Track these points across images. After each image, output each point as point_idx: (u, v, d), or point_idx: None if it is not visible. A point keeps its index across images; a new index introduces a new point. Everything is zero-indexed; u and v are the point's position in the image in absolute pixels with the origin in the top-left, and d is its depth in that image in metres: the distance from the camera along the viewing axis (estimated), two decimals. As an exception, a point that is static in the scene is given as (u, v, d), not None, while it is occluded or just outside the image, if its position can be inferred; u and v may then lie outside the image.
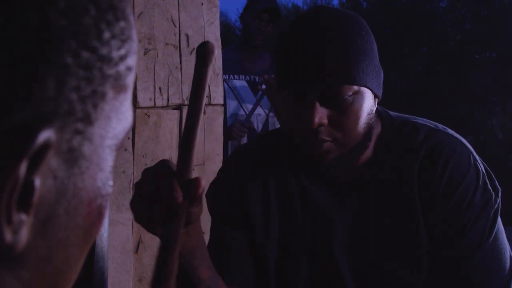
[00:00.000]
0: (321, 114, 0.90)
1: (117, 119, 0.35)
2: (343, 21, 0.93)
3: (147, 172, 0.73)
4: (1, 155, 0.29)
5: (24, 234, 0.30)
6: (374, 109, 0.97)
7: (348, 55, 0.90)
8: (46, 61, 0.29)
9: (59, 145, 0.31)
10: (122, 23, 0.34)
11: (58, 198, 0.32)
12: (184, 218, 0.68)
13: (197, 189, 0.68)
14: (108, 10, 0.33)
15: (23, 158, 0.29)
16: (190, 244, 0.80)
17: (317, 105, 0.90)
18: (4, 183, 0.29)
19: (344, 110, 0.91)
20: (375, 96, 0.97)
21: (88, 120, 0.32)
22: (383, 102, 1.03)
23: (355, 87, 0.91)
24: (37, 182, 0.30)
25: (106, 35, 0.33)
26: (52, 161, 0.31)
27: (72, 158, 0.32)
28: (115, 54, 0.33)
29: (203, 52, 0.68)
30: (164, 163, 0.71)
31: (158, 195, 0.68)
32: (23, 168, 0.29)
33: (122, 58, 0.34)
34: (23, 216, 0.30)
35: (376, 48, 0.97)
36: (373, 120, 0.97)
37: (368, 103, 0.94)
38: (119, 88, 0.34)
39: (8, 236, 0.30)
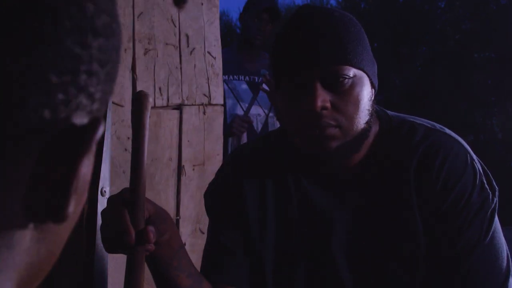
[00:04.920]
0: (323, 97, 0.92)
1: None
2: (335, 13, 0.97)
3: (104, 213, 0.80)
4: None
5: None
6: (373, 98, 0.99)
7: (343, 39, 0.93)
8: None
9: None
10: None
11: (82, 181, 0.35)
12: (143, 252, 0.77)
13: (148, 239, 0.76)
14: None
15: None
16: (165, 256, 0.84)
17: (319, 88, 0.92)
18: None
19: (344, 93, 0.93)
20: (372, 85, 0.98)
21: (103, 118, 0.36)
22: (382, 102, 1.05)
23: (353, 70, 0.93)
24: None
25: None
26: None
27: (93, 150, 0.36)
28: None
29: (139, 102, 0.75)
30: (120, 205, 0.77)
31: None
32: None
33: None
34: None
35: (368, 42, 1.00)
36: (373, 109, 0.99)
37: (367, 89, 0.96)
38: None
39: (71, 208, 0.33)
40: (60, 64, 0.30)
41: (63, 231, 0.36)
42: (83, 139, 0.33)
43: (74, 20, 0.31)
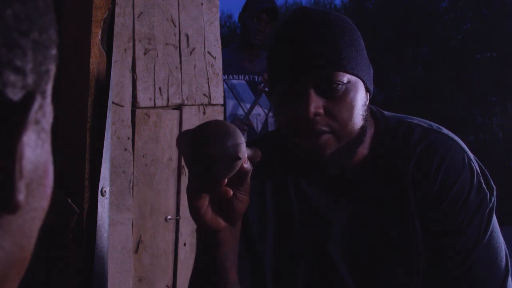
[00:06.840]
0: (316, 103, 0.91)
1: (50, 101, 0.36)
2: (331, 17, 0.96)
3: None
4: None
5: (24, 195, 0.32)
6: (367, 102, 0.98)
7: (338, 45, 0.92)
8: (27, 36, 0.31)
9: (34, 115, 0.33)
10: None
11: (33, 167, 0.33)
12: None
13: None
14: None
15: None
16: (227, 246, 0.83)
17: (312, 94, 0.91)
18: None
19: (338, 99, 0.92)
20: (367, 90, 0.98)
21: (43, 95, 0.34)
22: (383, 102, 1.05)
23: (347, 76, 0.93)
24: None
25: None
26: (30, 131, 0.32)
27: (38, 129, 0.33)
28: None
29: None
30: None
31: None
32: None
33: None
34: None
35: (364, 46, 0.99)
36: (367, 113, 0.99)
37: (361, 94, 0.96)
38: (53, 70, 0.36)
39: (21, 195, 0.31)
40: None
41: (28, 223, 0.33)
42: (17, 117, 0.31)
43: None
